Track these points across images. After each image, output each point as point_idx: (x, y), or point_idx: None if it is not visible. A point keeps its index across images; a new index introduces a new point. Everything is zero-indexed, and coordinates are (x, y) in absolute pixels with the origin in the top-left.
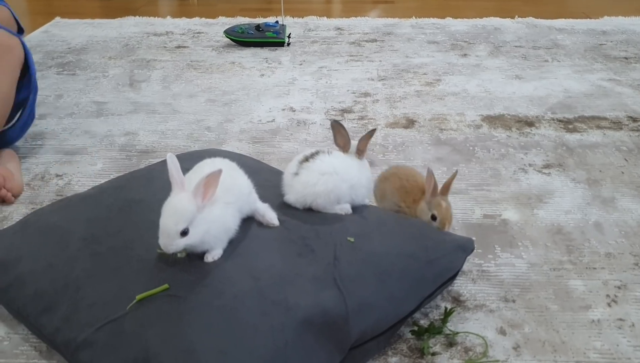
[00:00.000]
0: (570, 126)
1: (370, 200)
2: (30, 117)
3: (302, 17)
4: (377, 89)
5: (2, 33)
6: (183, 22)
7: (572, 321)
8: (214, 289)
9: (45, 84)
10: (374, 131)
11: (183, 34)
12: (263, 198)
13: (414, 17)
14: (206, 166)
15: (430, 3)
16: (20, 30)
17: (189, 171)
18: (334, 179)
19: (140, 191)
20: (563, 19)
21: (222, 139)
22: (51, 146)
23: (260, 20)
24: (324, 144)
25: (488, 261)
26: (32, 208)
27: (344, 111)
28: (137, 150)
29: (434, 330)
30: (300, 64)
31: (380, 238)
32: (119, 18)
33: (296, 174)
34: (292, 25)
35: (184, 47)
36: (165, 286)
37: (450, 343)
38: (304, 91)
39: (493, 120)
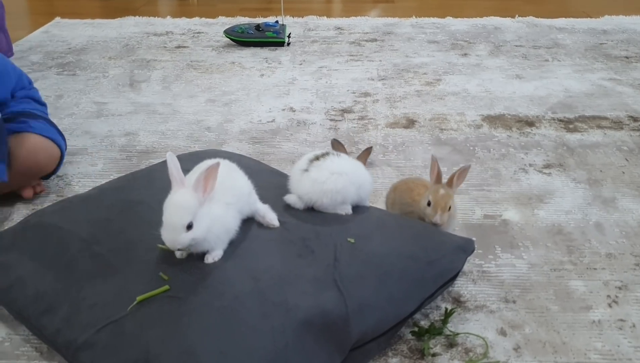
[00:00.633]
0: (571, 126)
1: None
2: None
3: (302, 17)
4: (377, 89)
5: None
6: (183, 22)
7: (573, 322)
8: (214, 290)
9: (46, 84)
10: (370, 149)
11: (183, 34)
12: (263, 198)
13: (414, 17)
14: (205, 166)
15: (430, 2)
16: None
17: (189, 172)
18: (343, 179)
19: (140, 192)
20: (564, 18)
21: (222, 140)
22: None
23: (260, 20)
24: (324, 145)
25: (488, 261)
26: (33, 209)
27: (344, 111)
28: (138, 150)
29: (434, 330)
30: (300, 64)
31: (380, 239)
32: (119, 18)
33: (306, 170)
34: (292, 25)
35: (184, 47)
36: (166, 287)
37: (451, 344)
38: (304, 91)
39: (493, 120)
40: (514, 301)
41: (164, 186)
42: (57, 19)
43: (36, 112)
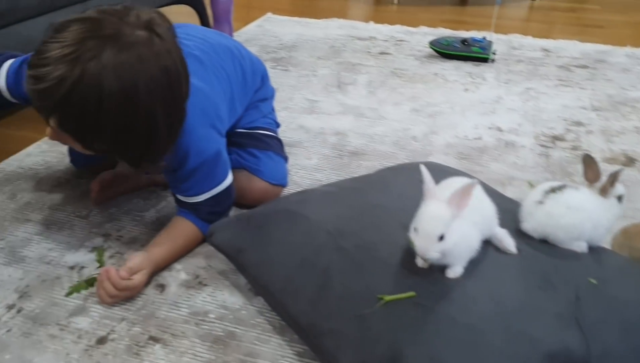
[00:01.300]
0: None
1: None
2: None
3: (506, 34)
4: (590, 119)
5: None
6: (385, 29)
7: None
8: (459, 305)
9: None
10: (617, 174)
11: (386, 40)
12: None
13: (628, 46)
14: (454, 182)
15: None
16: None
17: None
18: (580, 216)
19: (378, 197)
20: None
21: (428, 151)
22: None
23: (466, 34)
24: (535, 171)
25: None
26: None
27: (555, 138)
28: (348, 150)
29: None
30: (506, 83)
31: (623, 284)
32: (324, 19)
33: (541, 203)
34: (495, 41)
35: (387, 53)
36: (412, 293)
37: None
38: (511, 111)
39: None
40: None
41: (400, 193)
42: (269, 14)
43: (268, 134)
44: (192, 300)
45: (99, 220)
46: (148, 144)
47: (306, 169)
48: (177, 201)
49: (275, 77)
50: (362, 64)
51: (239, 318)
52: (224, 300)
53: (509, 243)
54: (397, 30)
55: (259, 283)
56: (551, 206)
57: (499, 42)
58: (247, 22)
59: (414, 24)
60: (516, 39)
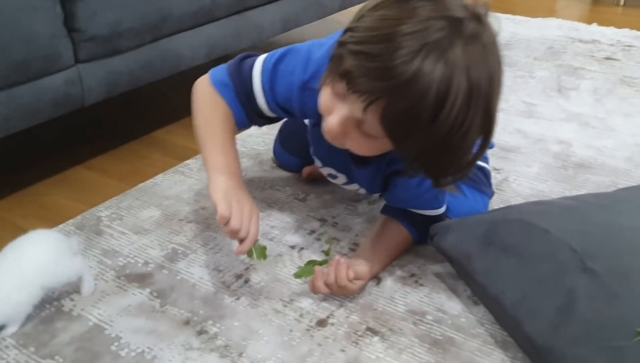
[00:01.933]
0: None
1: None
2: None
3: None
4: None
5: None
6: (610, 32)
7: None
8: None
9: None
10: None
11: (612, 45)
12: None
13: None
14: None
15: None
16: None
17: None
18: None
19: (630, 218)
20: None
21: None
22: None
23: None
24: None
25: None
26: None
27: None
28: (572, 162)
29: None
30: None
31: None
32: (540, 18)
33: None
34: None
35: (614, 59)
36: None
37: None
38: None
39: None
40: None
41: None
42: None
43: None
44: (409, 298)
45: (315, 205)
46: (467, 152)
47: (526, 177)
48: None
49: None
50: (585, 68)
51: (458, 325)
52: (442, 304)
53: None
54: (624, 34)
55: (487, 293)
56: None
57: None
58: None
59: None
60: None
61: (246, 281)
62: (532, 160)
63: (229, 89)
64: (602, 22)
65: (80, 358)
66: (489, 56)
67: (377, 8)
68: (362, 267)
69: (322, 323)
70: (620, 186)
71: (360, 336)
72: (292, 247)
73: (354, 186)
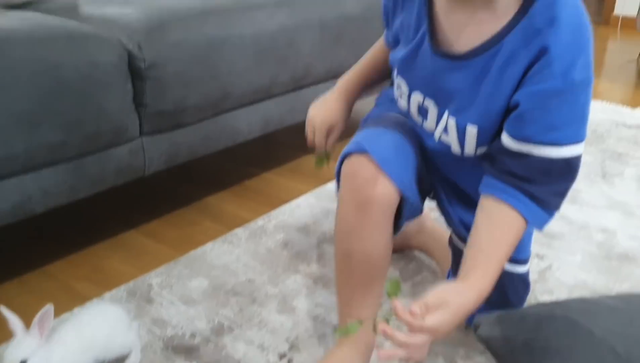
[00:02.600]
0: None
1: None
2: None
3: None
4: None
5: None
6: None
7: None
8: None
9: None
10: None
11: None
12: None
13: None
14: None
15: None
16: None
17: None
18: None
19: None
20: None
21: None
22: None
23: None
24: None
25: None
26: None
27: None
28: (616, 253)
29: None
30: None
31: None
32: None
33: None
34: None
35: None
36: None
37: None
38: None
39: None
40: None
41: None
42: None
43: None
44: None
45: None
46: None
47: (569, 265)
48: (500, 171)
49: None
50: (629, 154)
51: None
52: None
53: None
54: None
55: None
56: None
57: None
58: None
59: None
60: None
61: (289, 361)
62: (576, 248)
63: None
64: None
65: None
66: None
67: None
68: (443, 295)
69: None
70: None
71: None
72: (336, 328)
73: (445, 131)
